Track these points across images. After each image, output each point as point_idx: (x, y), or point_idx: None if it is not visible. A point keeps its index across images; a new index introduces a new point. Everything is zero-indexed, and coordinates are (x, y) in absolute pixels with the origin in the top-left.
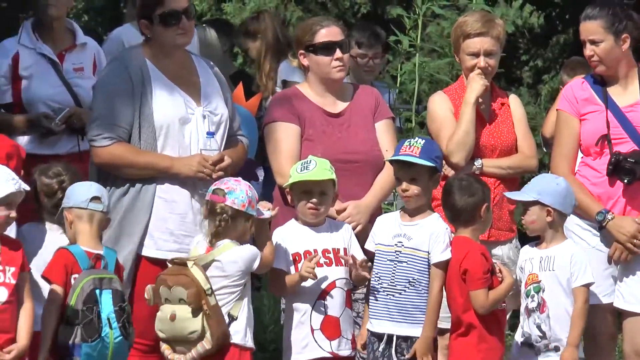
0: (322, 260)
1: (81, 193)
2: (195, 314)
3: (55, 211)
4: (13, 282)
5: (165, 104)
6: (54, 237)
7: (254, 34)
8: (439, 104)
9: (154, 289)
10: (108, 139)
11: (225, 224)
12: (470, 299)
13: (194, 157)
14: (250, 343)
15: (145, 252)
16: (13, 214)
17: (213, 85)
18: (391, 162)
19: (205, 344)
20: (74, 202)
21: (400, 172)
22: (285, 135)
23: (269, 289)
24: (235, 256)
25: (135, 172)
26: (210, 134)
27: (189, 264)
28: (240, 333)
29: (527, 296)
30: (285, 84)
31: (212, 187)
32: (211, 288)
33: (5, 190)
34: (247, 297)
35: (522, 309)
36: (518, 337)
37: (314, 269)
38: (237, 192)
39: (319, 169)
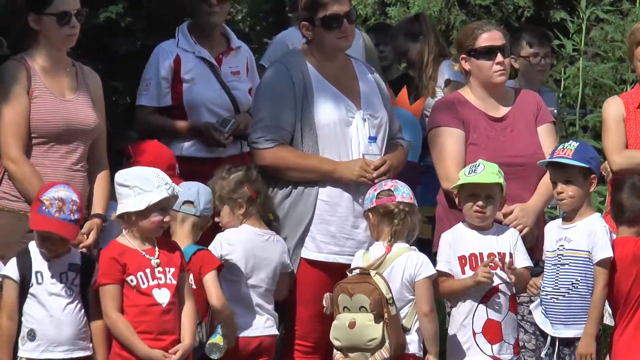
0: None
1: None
2: (376, 321)
3: None
4: (174, 282)
5: (327, 108)
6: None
7: (414, 36)
8: (610, 108)
9: (332, 297)
10: (271, 141)
11: (403, 221)
12: None
13: (357, 161)
14: (420, 353)
15: (307, 254)
16: (167, 218)
17: (373, 89)
18: (546, 165)
19: (384, 353)
20: None
21: (554, 175)
22: (450, 140)
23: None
24: (408, 265)
25: (297, 175)
26: (372, 139)
27: (372, 272)
28: (415, 343)
29: None
30: (448, 83)
31: (372, 194)
32: (392, 297)
33: (158, 196)
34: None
35: None
36: None
37: (490, 272)
38: (400, 187)
39: (487, 173)
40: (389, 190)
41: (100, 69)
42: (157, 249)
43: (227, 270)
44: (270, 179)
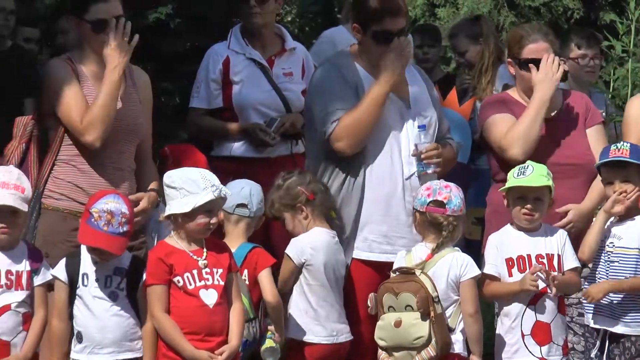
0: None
1: (230, 199)
2: (423, 319)
3: None
4: (222, 283)
5: None
6: None
7: (475, 38)
8: (632, 109)
9: (377, 297)
10: (335, 121)
11: (452, 233)
12: None
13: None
14: (464, 352)
15: (358, 254)
16: (214, 220)
17: (421, 89)
18: (601, 166)
19: (431, 351)
20: (225, 206)
21: (612, 175)
22: (508, 121)
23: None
24: (453, 265)
25: (369, 120)
26: (422, 127)
27: (417, 271)
28: (460, 343)
29: None
30: (506, 87)
31: (424, 198)
32: (438, 296)
33: (204, 198)
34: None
35: None
36: None
37: (536, 281)
38: (454, 199)
39: (536, 175)
40: (442, 202)
41: (149, 69)
42: (205, 250)
43: (311, 276)
44: (321, 179)
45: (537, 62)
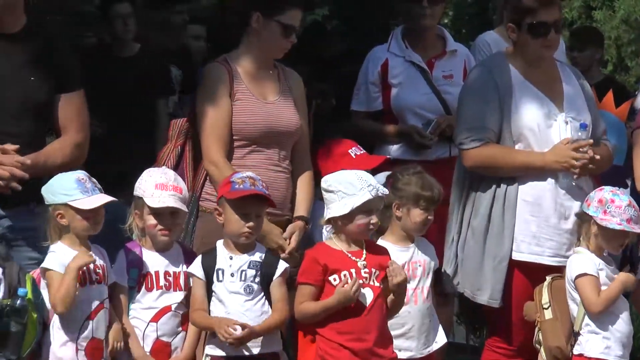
0: None
1: None
2: (534, 327)
3: None
4: (377, 284)
5: (529, 110)
6: None
7: None
8: None
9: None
10: (477, 140)
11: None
12: None
13: (562, 150)
14: (594, 353)
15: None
16: (374, 219)
17: (576, 91)
18: None
19: (539, 356)
20: None
21: None
22: None
23: (631, 299)
24: (568, 269)
25: (506, 172)
26: (584, 125)
27: (548, 278)
28: (582, 344)
29: None
30: None
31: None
32: (549, 302)
33: (361, 198)
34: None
35: None
36: None
37: None
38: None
39: None
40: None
41: (306, 71)
42: (364, 251)
43: None
44: (474, 180)
45: None
